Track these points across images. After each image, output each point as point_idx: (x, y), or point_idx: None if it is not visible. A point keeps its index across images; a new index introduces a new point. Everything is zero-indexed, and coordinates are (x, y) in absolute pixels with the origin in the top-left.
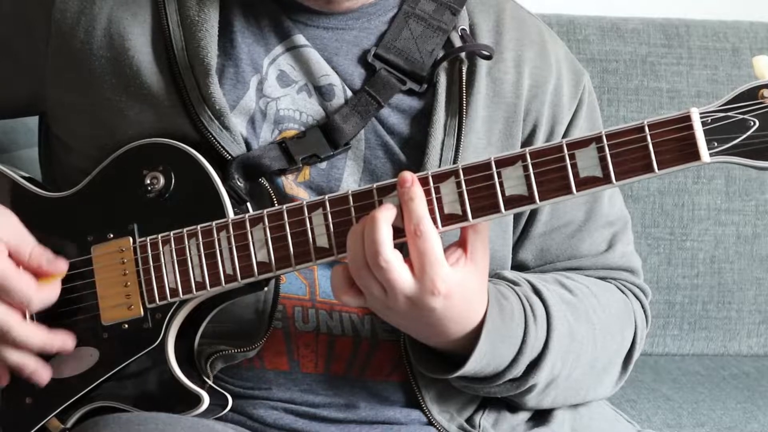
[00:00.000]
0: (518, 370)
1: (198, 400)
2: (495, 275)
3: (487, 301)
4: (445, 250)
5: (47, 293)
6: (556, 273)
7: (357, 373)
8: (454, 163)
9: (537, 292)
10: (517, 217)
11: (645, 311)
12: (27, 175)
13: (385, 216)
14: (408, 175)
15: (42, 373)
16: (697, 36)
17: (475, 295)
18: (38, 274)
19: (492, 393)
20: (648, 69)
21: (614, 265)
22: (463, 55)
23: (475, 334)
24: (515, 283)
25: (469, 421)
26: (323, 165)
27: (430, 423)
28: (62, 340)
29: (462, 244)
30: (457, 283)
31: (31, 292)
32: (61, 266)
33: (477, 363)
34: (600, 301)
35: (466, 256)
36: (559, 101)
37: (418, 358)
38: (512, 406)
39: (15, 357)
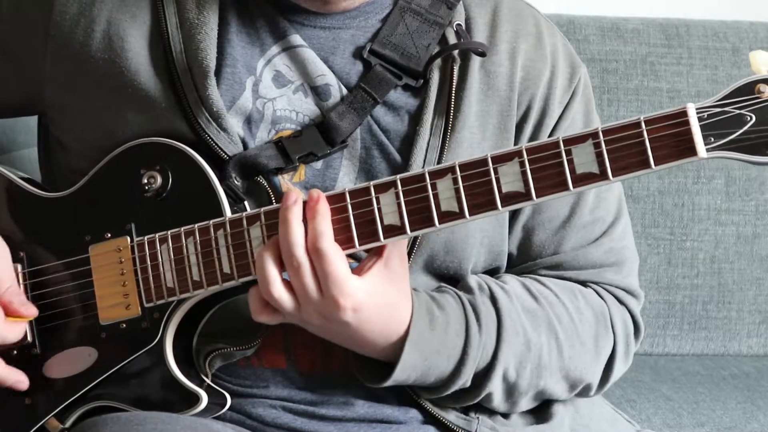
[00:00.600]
0: (464, 380)
1: (197, 399)
2: (459, 285)
3: (411, 310)
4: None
5: (11, 331)
6: (529, 277)
7: (354, 372)
8: (439, 163)
9: (493, 300)
10: (512, 212)
11: (633, 316)
12: (26, 175)
13: (297, 215)
14: (314, 193)
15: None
16: (697, 36)
17: (394, 304)
18: (8, 312)
19: (450, 401)
20: (648, 69)
21: (598, 261)
22: (456, 53)
23: (401, 344)
24: (470, 291)
25: (465, 411)
26: (319, 165)
27: (427, 422)
28: (15, 380)
29: (378, 251)
30: (367, 294)
31: None
32: (31, 311)
33: (405, 372)
34: (568, 309)
35: (381, 263)
36: (552, 93)
37: (357, 366)
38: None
39: None
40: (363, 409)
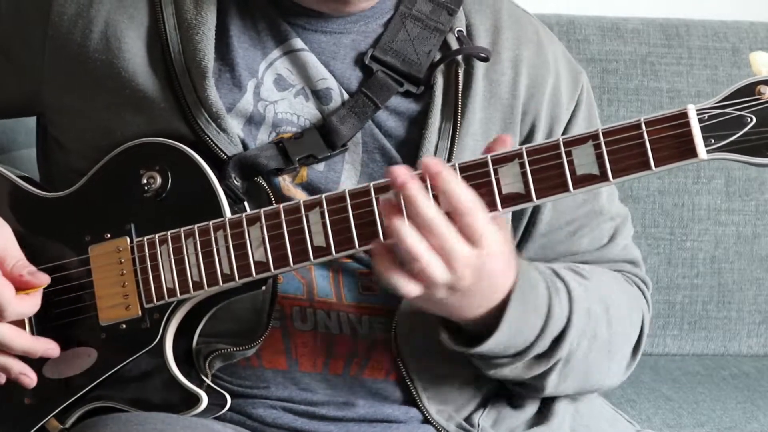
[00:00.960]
0: (545, 344)
1: (196, 399)
2: None
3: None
4: None
5: (25, 305)
6: (563, 262)
7: (355, 372)
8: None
9: (554, 272)
10: (518, 217)
11: (647, 301)
12: (25, 175)
13: (419, 186)
14: (430, 162)
15: (28, 376)
16: (697, 36)
17: (510, 251)
18: (20, 286)
19: (516, 375)
20: (648, 69)
21: (616, 257)
22: (459, 58)
23: (504, 302)
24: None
25: (468, 420)
26: (321, 167)
27: (427, 421)
28: (45, 347)
29: None
30: (507, 240)
31: (6, 300)
32: (43, 278)
33: (508, 329)
34: (610, 285)
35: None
36: (558, 100)
37: (449, 334)
38: (514, 404)
39: None
40: (364, 409)
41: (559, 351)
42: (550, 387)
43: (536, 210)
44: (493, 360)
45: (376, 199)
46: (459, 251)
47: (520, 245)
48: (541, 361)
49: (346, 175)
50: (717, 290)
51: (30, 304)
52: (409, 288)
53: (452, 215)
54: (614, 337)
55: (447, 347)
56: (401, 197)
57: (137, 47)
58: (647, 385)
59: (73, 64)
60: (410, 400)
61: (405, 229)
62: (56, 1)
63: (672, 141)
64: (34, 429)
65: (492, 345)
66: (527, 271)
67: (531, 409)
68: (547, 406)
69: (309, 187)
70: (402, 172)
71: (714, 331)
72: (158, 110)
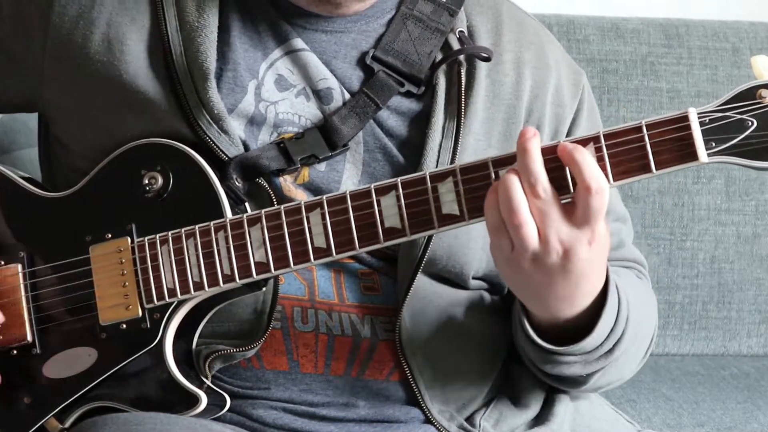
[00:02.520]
0: (611, 342)
1: (196, 400)
2: None
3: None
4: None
5: None
6: None
7: (357, 373)
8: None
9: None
10: None
11: None
12: (26, 175)
13: (537, 145)
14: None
15: None
16: (697, 36)
17: (606, 246)
18: None
19: (573, 372)
20: (648, 69)
21: (630, 257)
22: (462, 57)
23: (597, 304)
24: None
25: (470, 420)
26: (322, 167)
27: (428, 421)
28: None
29: None
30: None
31: None
32: None
33: (608, 322)
34: (637, 285)
35: None
36: (561, 101)
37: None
38: (516, 404)
39: None
40: (364, 410)
41: (618, 349)
42: (591, 382)
43: None
44: (562, 356)
45: (377, 200)
46: (557, 223)
47: None
48: (600, 359)
49: (347, 174)
50: (717, 290)
51: None
52: (501, 243)
53: (577, 191)
54: (641, 333)
55: (528, 342)
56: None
57: (139, 49)
58: (647, 385)
59: (73, 65)
60: (412, 400)
61: (514, 182)
62: (57, 2)
63: (673, 144)
64: (34, 428)
65: (585, 345)
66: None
67: (533, 409)
68: (547, 407)
69: (310, 187)
70: (530, 129)
71: (714, 331)
72: (160, 112)
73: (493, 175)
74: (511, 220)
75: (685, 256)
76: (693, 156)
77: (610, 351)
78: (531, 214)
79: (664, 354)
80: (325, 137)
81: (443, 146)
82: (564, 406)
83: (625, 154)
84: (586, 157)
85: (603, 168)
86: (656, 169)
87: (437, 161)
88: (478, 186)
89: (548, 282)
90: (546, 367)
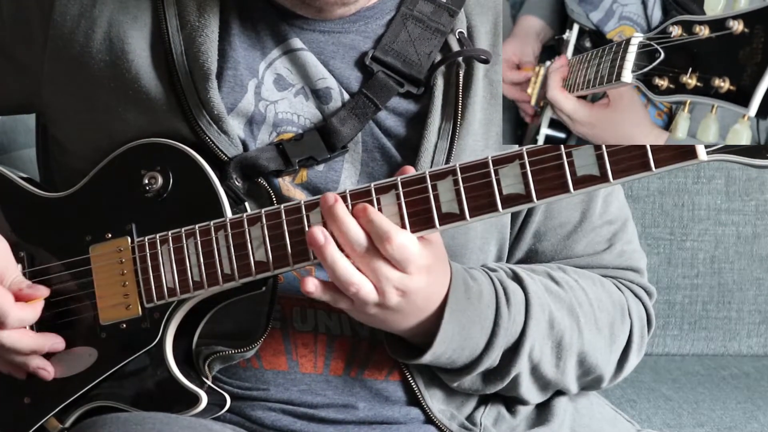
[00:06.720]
0: (494, 357)
1: (196, 399)
2: (481, 267)
3: (450, 276)
4: None
5: (25, 312)
6: (548, 265)
7: (356, 373)
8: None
9: (517, 279)
10: (514, 219)
11: (648, 312)
12: (26, 175)
13: (345, 210)
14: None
15: (45, 369)
16: None
17: (440, 268)
18: (20, 299)
19: (476, 388)
20: None
21: (611, 264)
22: (460, 59)
23: (440, 313)
24: (493, 270)
25: (470, 419)
26: (321, 167)
27: (429, 421)
28: (51, 342)
29: None
30: (429, 255)
31: (6, 308)
32: (41, 290)
33: (444, 343)
34: (588, 295)
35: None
36: None
37: (394, 349)
38: (512, 404)
39: (14, 359)
40: (364, 411)
41: (516, 364)
42: (531, 395)
43: (529, 212)
44: (447, 373)
45: (378, 199)
46: (386, 271)
47: (512, 247)
48: (496, 375)
49: (345, 174)
50: (717, 290)
51: (30, 311)
52: (342, 304)
53: (374, 243)
54: (589, 350)
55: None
56: (330, 220)
57: (140, 48)
58: (647, 385)
59: (74, 65)
60: (412, 400)
61: (335, 254)
62: (59, 1)
63: None
64: (34, 428)
65: (430, 358)
66: (466, 281)
67: (530, 406)
68: (547, 406)
69: (309, 187)
70: (331, 195)
71: (714, 331)
72: (160, 111)
73: (492, 174)
74: (348, 290)
75: (685, 256)
76: (692, 154)
77: (501, 368)
78: (360, 272)
79: (664, 354)
80: (324, 139)
81: (438, 147)
82: (563, 406)
83: (625, 152)
84: (373, 215)
85: (602, 166)
86: (656, 167)
87: (432, 162)
88: (478, 184)
89: (401, 315)
90: (451, 384)
